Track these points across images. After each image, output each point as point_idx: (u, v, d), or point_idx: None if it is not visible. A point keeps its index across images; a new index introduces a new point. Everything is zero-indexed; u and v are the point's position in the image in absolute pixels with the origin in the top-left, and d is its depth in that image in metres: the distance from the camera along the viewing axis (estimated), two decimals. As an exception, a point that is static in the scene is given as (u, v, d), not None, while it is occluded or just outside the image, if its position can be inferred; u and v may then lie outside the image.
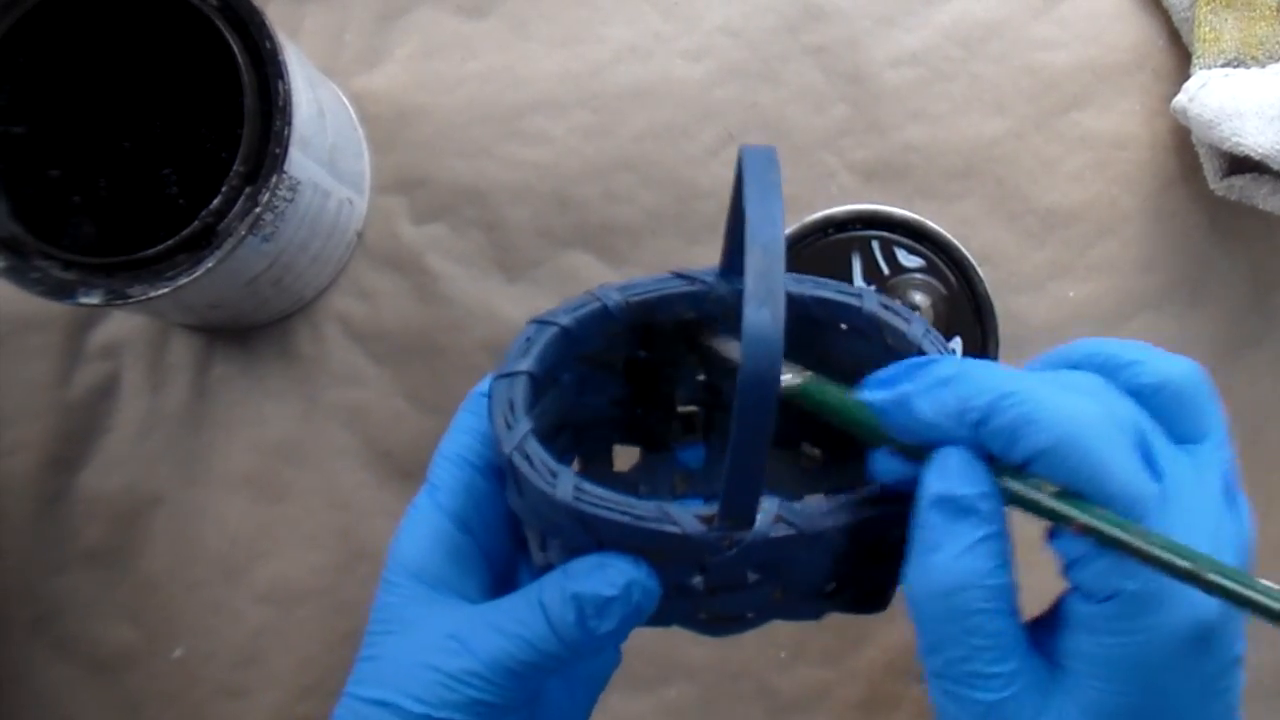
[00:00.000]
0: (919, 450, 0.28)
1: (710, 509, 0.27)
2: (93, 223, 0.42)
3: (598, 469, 0.36)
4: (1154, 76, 0.49)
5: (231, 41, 0.38)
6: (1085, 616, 0.27)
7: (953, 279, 0.45)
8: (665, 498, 0.36)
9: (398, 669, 0.29)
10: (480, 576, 0.32)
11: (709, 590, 0.29)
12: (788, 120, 0.48)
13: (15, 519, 0.47)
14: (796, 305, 0.33)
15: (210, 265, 0.37)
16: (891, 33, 0.48)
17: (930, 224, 0.45)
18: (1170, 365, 0.28)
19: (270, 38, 0.38)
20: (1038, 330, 0.47)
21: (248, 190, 0.38)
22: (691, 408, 0.37)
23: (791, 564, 0.29)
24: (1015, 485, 0.27)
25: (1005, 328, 0.46)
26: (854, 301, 0.34)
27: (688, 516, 0.27)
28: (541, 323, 0.32)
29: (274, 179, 0.38)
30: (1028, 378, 0.27)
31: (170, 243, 0.37)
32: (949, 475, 0.27)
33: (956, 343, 0.45)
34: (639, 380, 0.35)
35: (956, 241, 0.45)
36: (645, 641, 0.43)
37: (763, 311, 0.24)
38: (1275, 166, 0.42)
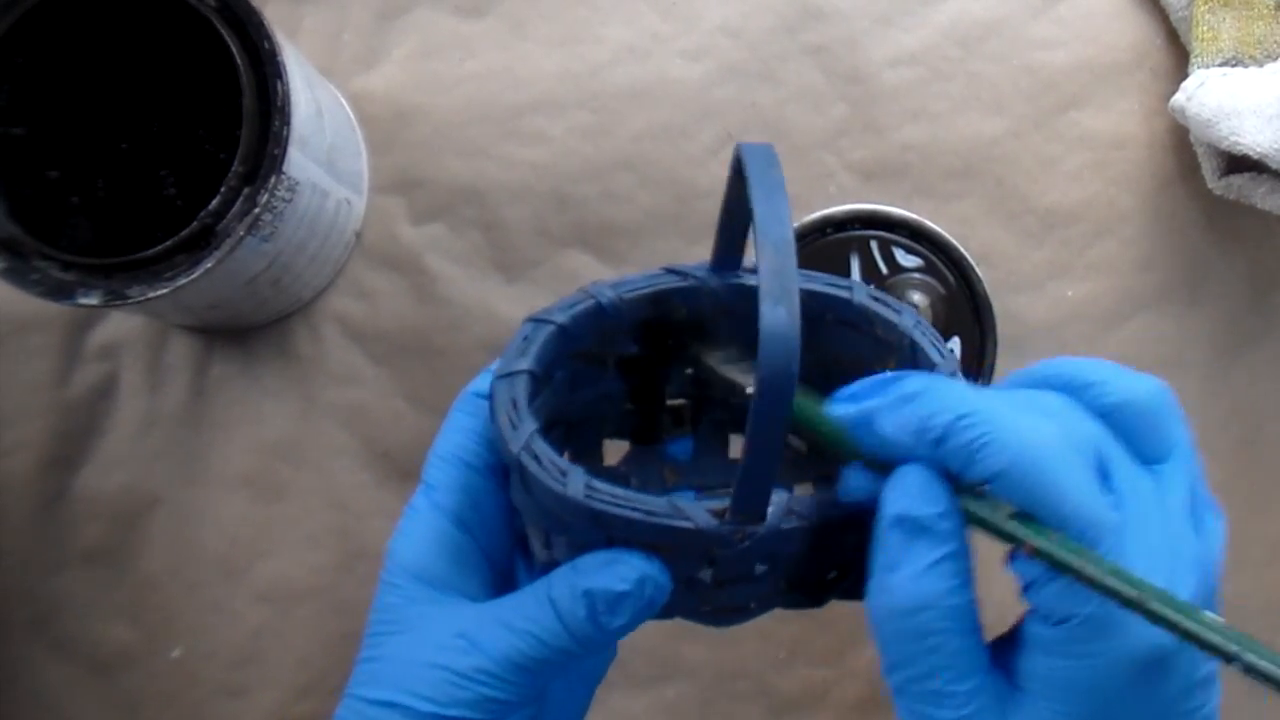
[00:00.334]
0: (886, 466, 0.28)
1: (721, 503, 0.27)
2: (91, 223, 0.42)
3: (588, 463, 0.36)
4: (1152, 76, 0.49)
5: (230, 42, 0.38)
6: (1041, 638, 0.27)
7: (951, 279, 0.45)
8: (657, 490, 0.36)
9: (404, 669, 0.29)
10: (481, 575, 0.32)
11: (717, 583, 0.29)
12: (786, 120, 0.48)
13: (14, 519, 0.47)
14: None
15: (209, 266, 0.37)
16: (890, 32, 0.48)
17: (929, 224, 0.45)
18: (1134, 384, 0.28)
19: (269, 38, 0.38)
20: (1036, 330, 0.48)
21: (246, 191, 0.38)
22: (680, 400, 0.37)
23: (798, 554, 0.29)
24: (973, 505, 0.27)
25: (1004, 327, 0.46)
26: (844, 294, 0.34)
27: (700, 511, 0.27)
28: (538, 321, 0.32)
29: (272, 179, 0.38)
30: (989, 398, 0.27)
31: (169, 243, 0.37)
32: (908, 494, 0.27)
33: (955, 343, 0.45)
34: (629, 375, 0.35)
35: (955, 241, 0.45)
36: (645, 641, 0.43)
37: (778, 310, 0.24)
38: (1273, 165, 0.42)
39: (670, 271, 0.33)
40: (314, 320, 0.48)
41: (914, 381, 0.27)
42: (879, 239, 0.46)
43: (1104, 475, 0.27)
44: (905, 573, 0.27)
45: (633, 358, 0.35)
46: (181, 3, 0.38)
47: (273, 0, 0.48)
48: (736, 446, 0.38)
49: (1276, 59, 0.45)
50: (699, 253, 0.47)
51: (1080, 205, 0.48)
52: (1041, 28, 0.49)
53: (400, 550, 0.31)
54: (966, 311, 0.45)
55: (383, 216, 0.48)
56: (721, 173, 0.48)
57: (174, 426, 0.47)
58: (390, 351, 0.47)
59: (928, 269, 0.45)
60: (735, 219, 0.32)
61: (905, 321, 0.33)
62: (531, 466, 0.28)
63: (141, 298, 0.37)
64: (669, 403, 0.37)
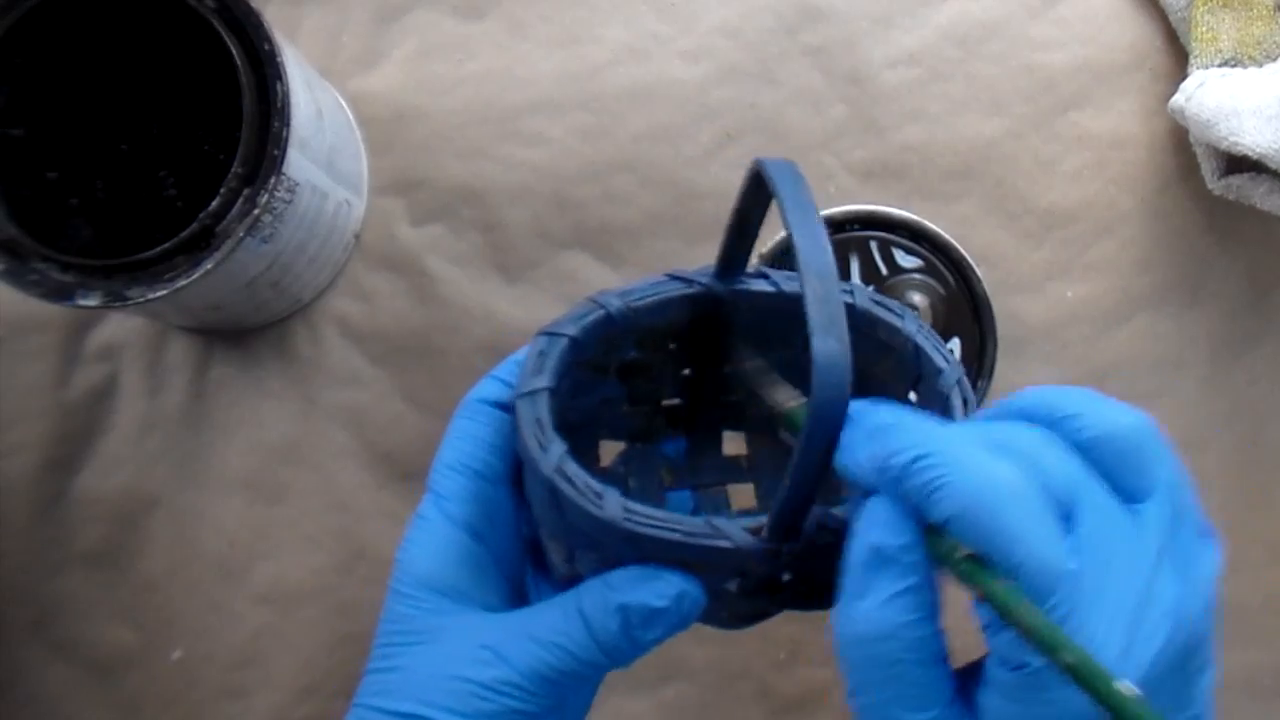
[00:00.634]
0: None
1: (757, 520, 0.28)
2: (90, 225, 0.42)
3: (585, 465, 0.36)
4: (1152, 76, 0.49)
5: (229, 43, 0.38)
6: (999, 680, 0.26)
7: (951, 279, 0.45)
8: (655, 491, 0.36)
9: (423, 680, 0.29)
10: (496, 585, 0.32)
11: (743, 593, 0.30)
12: (786, 121, 0.48)
13: (14, 521, 0.47)
14: (788, 302, 0.34)
15: (209, 267, 0.37)
16: (889, 33, 0.48)
17: (928, 224, 0.45)
18: (1115, 417, 0.27)
19: (268, 39, 0.38)
20: (1036, 330, 0.48)
21: (246, 192, 0.38)
22: (675, 401, 0.37)
23: (824, 563, 0.29)
24: (934, 542, 0.27)
25: (1004, 328, 0.46)
26: (846, 298, 0.34)
27: (738, 530, 0.28)
28: (551, 334, 0.32)
29: (272, 181, 0.38)
30: (953, 437, 0.26)
31: (168, 245, 0.37)
32: (875, 525, 0.27)
33: (955, 343, 0.45)
34: (628, 379, 0.36)
35: (955, 242, 0.45)
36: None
37: (829, 341, 0.24)
38: (1273, 165, 0.42)
39: (675, 278, 0.33)
40: (314, 321, 0.48)
41: (884, 415, 0.27)
42: (879, 240, 0.46)
43: (1070, 518, 0.26)
44: (869, 602, 0.27)
45: (631, 361, 0.35)
46: (181, 4, 0.38)
47: (273, 1, 0.48)
48: (730, 444, 0.38)
49: (1276, 59, 0.46)
50: (699, 253, 0.47)
51: (1080, 206, 0.48)
52: (1041, 28, 0.49)
53: (412, 560, 0.31)
54: (966, 312, 0.45)
55: (382, 217, 0.48)
56: (721, 174, 0.48)
57: (174, 428, 0.47)
58: (390, 352, 0.47)
59: (927, 269, 0.45)
60: (746, 230, 0.32)
61: (909, 326, 0.33)
62: (565, 488, 0.28)
63: (141, 299, 0.37)
64: (665, 403, 0.37)
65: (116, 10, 0.40)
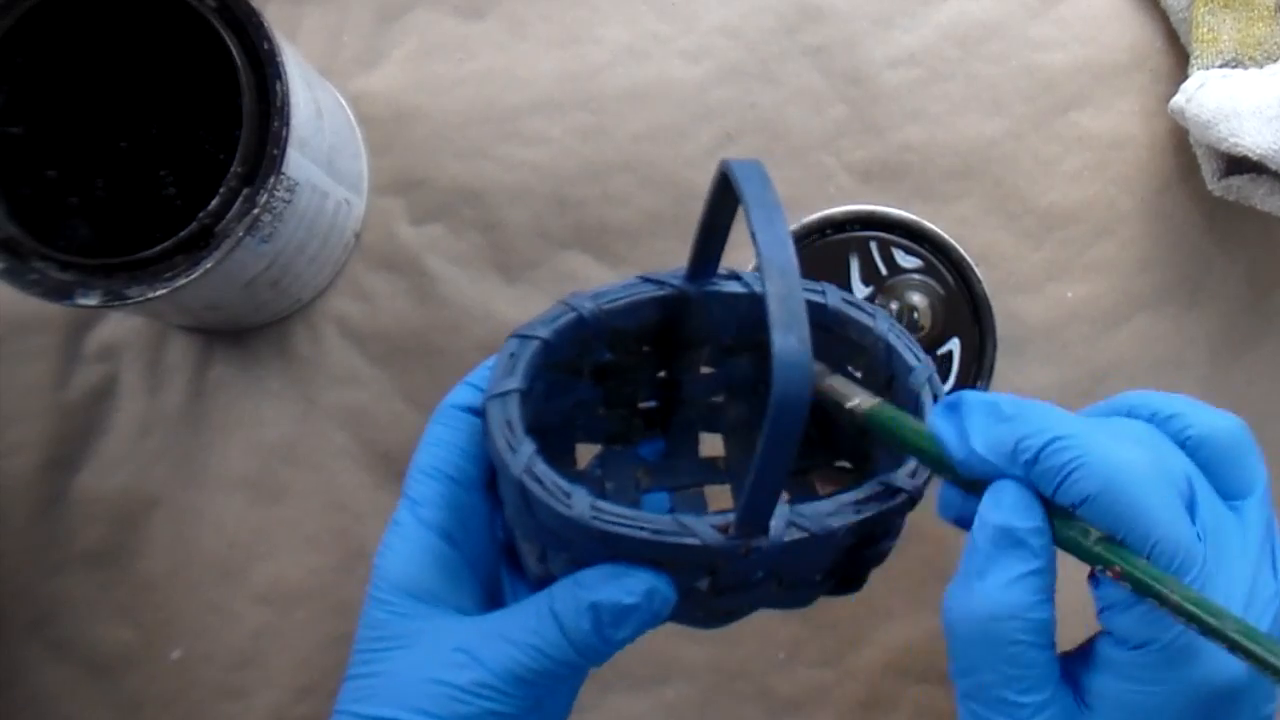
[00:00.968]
0: (977, 485, 0.28)
1: (725, 518, 0.28)
2: (89, 224, 0.42)
3: (561, 468, 0.36)
4: (1152, 77, 0.49)
5: (229, 43, 0.38)
6: (1115, 661, 0.27)
7: (951, 279, 0.45)
8: (631, 493, 0.36)
9: (401, 685, 0.30)
10: (471, 588, 0.32)
11: (714, 591, 0.30)
12: (786, 121, 0.48)
13: (13, 520, 0.47)
14: (759, 303, 0.34)
15: (208, 266, 0.37)
16: (889, 33, 0.48)
17: (928, 224, 0.45)
18: (1216, 420, 0.29)
19: (268, 39, 0.38)
20: (1036, 330, 0.48)
21: (245, 191, 0.38)
22: (650, 403, 0.37)
23: (795, 561, 0.30)
24: (1062, 526, 0.27)
25: (1003, 328, 0.46)
26: (818, 298, 0.34)
27: (705, 527, 0.28)
28: (523, 337, 0.32)
29: (272, 180, 0.38)
30: (1081, 423, 0.27)
31: (168, 244, 0.37)
32: (1004, 507, 0.27)
33: (955, 343, 0.45)
34: (603, 381, 0.36)
35: (954, 242, 0.45)
36: (644, 642, 0.43)
37: (789, 338, 0.25)
38: (1273, 167, 0.42)
39: (647, 280, 0.34)
40: (313, 321, 0.48)
41: (1009, 402, 0.28)
42: (878, 240, 0.45)
43: (1190, 508, 0.27)
44: (993, 581, 0.27)
45: (606, 364, 0.35)
46: (181, 3, 0.38)
47: (273, 1, 0.48)
48: (707, 446, 0.38)
49: (1276, 60, 0.45)
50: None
51: (1080, 206, 0.48)
52: (1041, 29, 0.49)
53: (388, 566, 0.31)
54: (966, 312, 0.45)
55: (382, 217, 0.48)
56: (721, 173, 0.48)
57: (173, 427, 0.47)
58: (390, 352, 0.47)
59: (927, 270, 0.45)
60: (715, 232, 0.32)
61: (880, 325, 0.33)
62: (534, 489, 0.28)
63: (141, 298, 0.37)
64: (640, 405, 0.37)
65: (116, 10, 0.40)
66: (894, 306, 0.45)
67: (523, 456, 0.29)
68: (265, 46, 0.38)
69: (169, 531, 0.47)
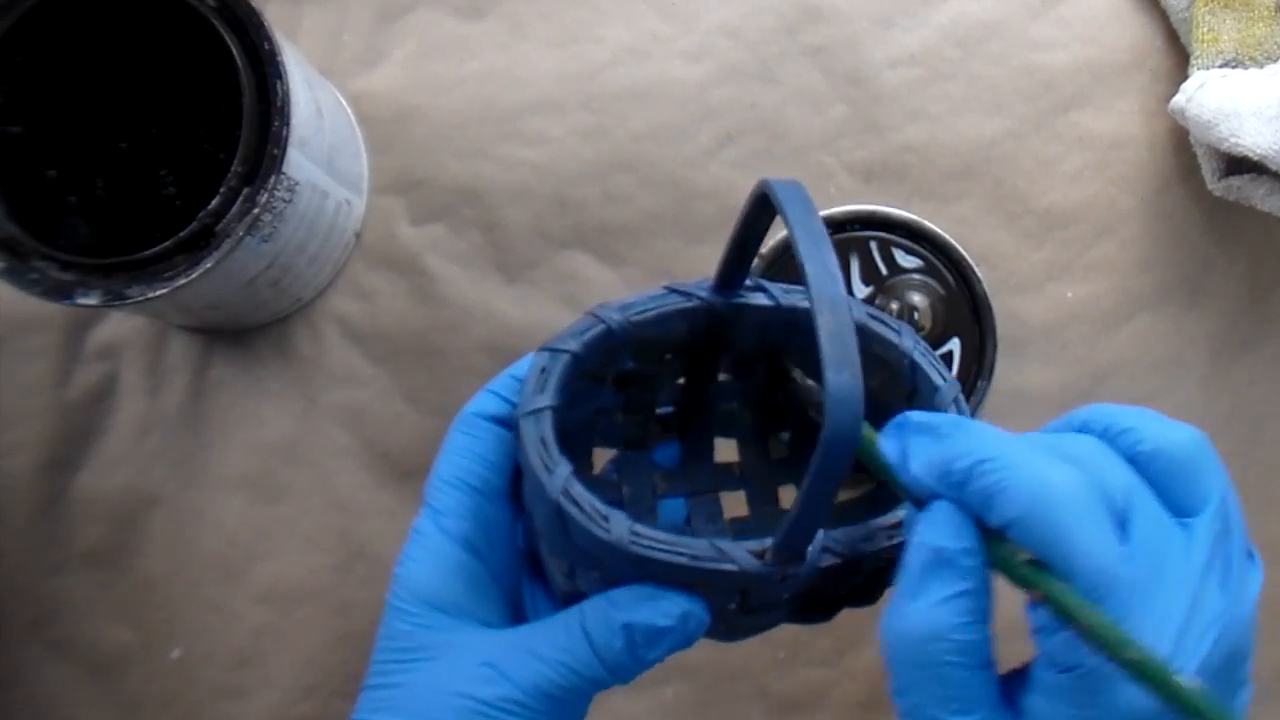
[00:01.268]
0: (923, 503, 0.28)
1: (762, 544, 0.28)
2: (89, 223, 0.42)
3: (577, 472, 0.36)
4: (1152, 77, 0.49)
5: (230, 42, 0.38)
6: (1046, 683, 0.27)
7: (951, 279, 0.45)
8: (648, 499, 0.37)
9: (425, 698, 0.29)
10: (494, 600, 0.32)
11: (743, 610, 0.30)
12: (786, 121, 0.48)
13: (13, 520, 0.47)
14: (785, 315, 0.34)
15: (208, 266, 0.37)
16: (890, 33, 0.48)
17: (928, 224, 0.45)
18: (1170, 433, 0.28)
19: (269, 39, 0.38)
20: (1036, 330, 0.47)
21: (246, 191, 0.38)
22: (667, 409, 0.37)
23: (826, 584, 0.30)
24: (993, 547, 0.27)
25: (1004, 328, 0.46)
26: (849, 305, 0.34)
27: (742, 554, 0.28)
28: (553, 351, 0.32)
29: (272, 180, 0.38)
30: (1014, 444, 0.27)
31: (168, 244, 0.37)
32: (935, 527, 0.27)
33: (955, 343, 0.45)
34: (623, 388, 0.36)
35: (955, 242, 0.45)
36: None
37: (843, 375, 0.25)
38: (1273, 167, 0.42)
39: (674, 291, 0.34)
40: (314, 321, 0.48)
41: (947, 423, 0.28)
42: (879, 240, 0.45)
43: (1125, 525, 0.27)
44: (923, 602, 0.27)
45: (629, 372, 0.35)
46: (181, 3, 0.38)
47: (273, 0, 0.48)
48: (722, 451, 0.38)
49: (1277, 60, 0.45)
50: (698, 253, 0.47)
51: (1080, 206, 0.48)
52: (1041, 29, 0.49)
53: (410, 576, 0.31)
54: (966, 312, 0.45)
55: (383, 217, 0.48)
56: (721, 173, 0.48)
57: (174, 427, 0.47)
58: (390, 352, 0.47)
59: (927, 270, 0.45)
60: (747, 248, 0.32)
61: (905, 342, 0.33)
62: (572, 511, 0.28)
63: (141, 298, 0.37)
64: (658, 411, 0.37)
65: (116, 10, 0.40)
66: (894, 306, 0.45)
67: (559, 478, 0.29)
68: (265, 46, 0.38)
69: (169, 531, 0.47)
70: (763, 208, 0.30)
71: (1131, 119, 0.48)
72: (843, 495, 0.37)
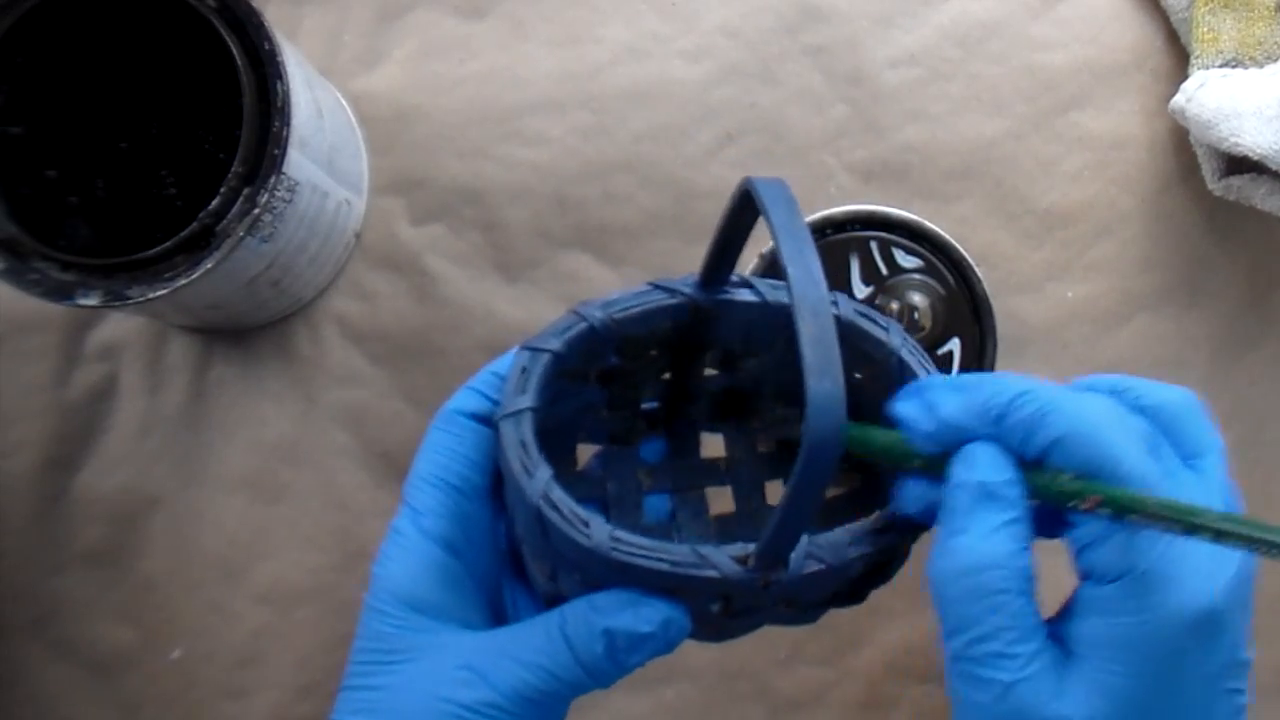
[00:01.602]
0: (941, 462, 0.29)
1: (745, 550, 0.28)
2: (90, 224, 0.42)
3: (562, 468, 0.36)
4: (1152, 77, 0.49)
5: (230, 43, 0.38)
6: (1095, 599, 0.28)
7: (951, 279, 0.45)
8: (633, 495, 0.36)
9: (403, 700, 0.29)
10: (474, 600, 0.32)
11: (726, 614, 0.30)
12: (786, 121, 0.48)
13: (14, 520, 0.47)
14: (772, 311, 0.34)
15: (209, 266, 0.37)
16: (890, 33, 0.48)
17: (929, 224, 0.45)
18: (1167, 391, 0.30)
19: (269, 39, 0.38)
20: (1036, 330, 0.48)
21: (246, 191, 0.38)
22: (653, 404, 0.37)
23: (810, 589, 0.30)
24: (1033, 475, 0.28)
25: (1004, 328, 0.46)
26: (831, 309, 0.34)
27: (724, 559, 0.28)
28: (534, 350, 0.32)
29: (272, 180, 0.38)
30: (1043, 382, 0.28)
31: (168, 244, 0.37)
32: (976, 464, 0.28)
33: (955, 343, 0.45)
34: (607, 384, 0.36)
35: (955, 242, 0.45)
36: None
37: (824, 383, 0.25)
38: (1273, 166, 0.42)
39: (658, 288, 0.33)
40: (314, 321, 0.48)
41: (970, 378, 0.29)
42: (879, 240, 0.45)
43: (1155, 456, 0.28)
44: (973, 535, 0.28)
45: (612, 368, 0.35)
46: (181, 3, 0.38)
47: (273, 1, 0.48)
48: (708, 446, 0.38)
49: (1277, 60, 0.45)
50: (698, 253, 0.47)
51: (1080, 206, 0.48)
52: (1041, 29, 0.49)
53: (389, 576, 0.31)
54: (966, 312, 0.45)
55: (383, 217, 0.48)
56: (721, 173, 0.48)
57: (174, 427, 0.47)
58: (390, 352, 0.47)
59: (927, 270, 0.45)
60: (731, 245, 0.32)
61: (893, 340, 0.33)
62: (552, 516, 0.28)
63: (141, 298, 0.37)
64: (643, 407, 0.37)
65: (116, 10, 0.40)
66: (894, 306, 0.45)
67: (539, 482, 0.29)
68: (266, 46, 0.38)
69: (169, 531, 0.47)
70: (746, 206, 0.30)
71: (1131, 119, 0.48)
72: (827, 492, 0.36)
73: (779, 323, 0.34)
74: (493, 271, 0.48)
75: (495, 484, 0.33)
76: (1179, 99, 0.45)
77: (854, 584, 0.32)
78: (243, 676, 0.46)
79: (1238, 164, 0.45)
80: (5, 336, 0.47)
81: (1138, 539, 0.27)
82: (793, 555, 0.28)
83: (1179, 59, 0.49)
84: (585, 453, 0.37)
